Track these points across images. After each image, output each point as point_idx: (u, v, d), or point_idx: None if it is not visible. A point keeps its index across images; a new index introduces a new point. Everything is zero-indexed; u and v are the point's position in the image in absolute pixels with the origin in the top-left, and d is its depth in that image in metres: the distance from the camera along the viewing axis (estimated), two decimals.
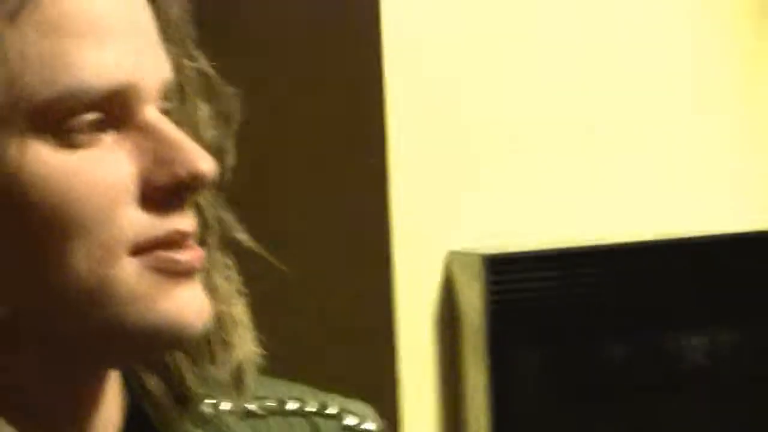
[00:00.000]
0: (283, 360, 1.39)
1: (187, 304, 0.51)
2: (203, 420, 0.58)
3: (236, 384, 0.57)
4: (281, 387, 0.66)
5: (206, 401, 0.57)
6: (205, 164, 0.48)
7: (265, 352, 0.57)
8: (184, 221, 0.49)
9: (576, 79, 1.53)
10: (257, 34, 1.59)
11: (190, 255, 0.50)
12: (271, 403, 0.64)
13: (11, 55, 0.47)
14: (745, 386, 1.54)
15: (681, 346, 1.48)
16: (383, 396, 1.32)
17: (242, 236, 0.56)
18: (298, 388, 0.64)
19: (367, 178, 1.37)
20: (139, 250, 0.47)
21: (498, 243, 1.36)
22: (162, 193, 0.48)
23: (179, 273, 0.49)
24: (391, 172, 1.31)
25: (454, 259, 1.31)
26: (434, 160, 1.44)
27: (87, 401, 0.53)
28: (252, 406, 0.62)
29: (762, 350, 1.53)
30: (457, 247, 1.33)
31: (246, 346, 0.57)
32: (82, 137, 0.46)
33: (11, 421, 0.49)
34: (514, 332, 1.30)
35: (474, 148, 1.46)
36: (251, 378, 0.58)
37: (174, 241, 0.49)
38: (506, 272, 1.29)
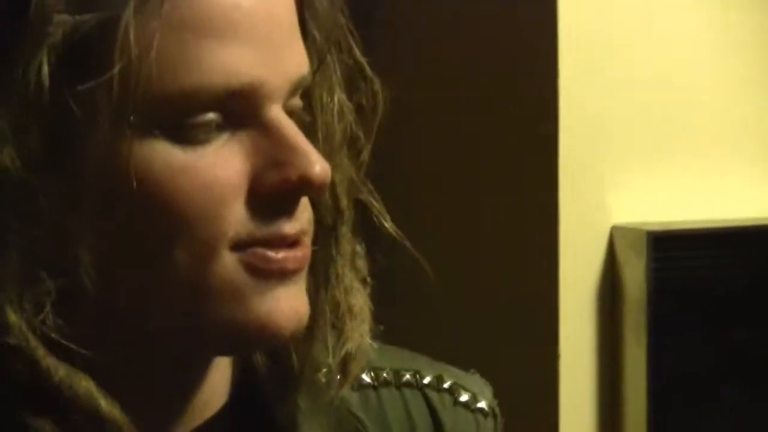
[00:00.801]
0: (446, 332, 1.41)
1: (277, 307, 0.51)
2: (312, 392, 0.61)
3: (343, 371, 0.59)
4: (399, 357, 0.68)
5: (317, 373, 0.60)
6: (318, 168, 0.48)
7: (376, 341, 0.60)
8: (290, 224, 0.50)
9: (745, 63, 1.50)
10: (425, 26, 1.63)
11: (284, 255, 0.50)
12: (387, 375, 0.67)
13: (132, 49, 0.47)
14: None
15: None
16: (543, 371, 1.33)
17: (388, 224, 0.60)
18: (416, 359, 0.69)
19: (534, 152, 1.37)
20: (240, 245, 0.49)
21: (662, 219, 1.34)
22: (272, 193, 0.49)
23: (273, 272, 0.50)
24: (559, 149, 1.31)
25: (617, 234, 1.30)
26: (601, 135, 1.41)
27: (191, 379, 0.56)
28: (366, 378, 0.65)
29: None
30: (621, 222, 1.31)
31: (357, 336, 0.59)
32: (200, 135, 0.48)
33: (125, 402, 0.51)
34: (677, 310, 1.28)
35: (641, 125, 1.43)
36: (358, 371, 0.61)
37: (277, 240, 0.50)
38: (671, 249, 1.27)
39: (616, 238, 1.28)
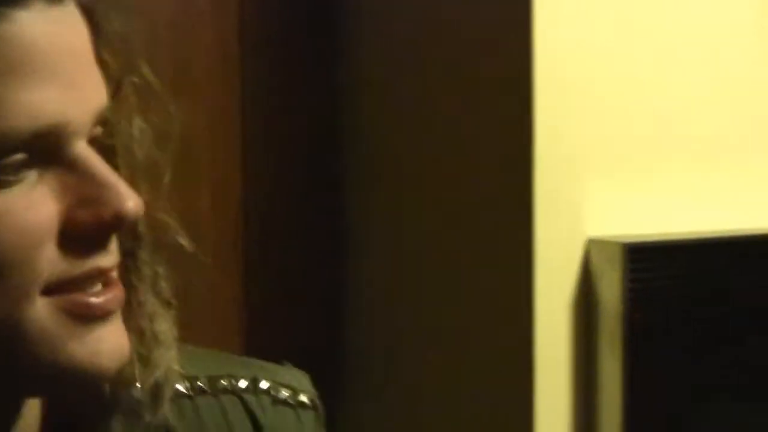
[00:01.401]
0: (421, 342, 1.41)
1: (100, 349, 0.51)
2: (127, 415, 0.61)
3: (153, 401, 0.60)
4: (214, 362, 0.69)
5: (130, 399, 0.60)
6: (130, 204, 0.48)
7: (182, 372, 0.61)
8: (106, 258, 0.50)
9: (715, 77, 1.54)
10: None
11: (105, 297, 0.50)
12: (202, 383, 0.67)
13: None
14: None
15: None
16: (518, 383, 1.35)
17: (184, 241, 0.60)
18: (230, 362, 0.71)
19: (510, 166, 1.40)
20: (53, 290, 0.48)
21: (638, 231, 1.35)
22: (84, 232, 0.49)
23: (90, 316, 0.50)
24: (534, 160, 1.32)
25: (593, 247, 1.31)
26: (577, 149, 1.44)
27: (5, 419, 0.55)
28: (181, 387, 0.64)
29: None
30: (596, 235, 1.32)
31: (165, 363, 0.60)
32: (9, 177, 0.47)
33: None
34: (653, 323, 1.29)
35: (617, 140, 1.47)
36: (168, 396, 0.61)
37: (91, 279, 0.50)
38: (646, 261, 1.29)
39: (591, 251, 1.29)
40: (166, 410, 0.62)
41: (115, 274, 0.52)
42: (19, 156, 0.46)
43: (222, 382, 0.69)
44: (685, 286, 1.33)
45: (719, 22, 1.54)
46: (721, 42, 1.54)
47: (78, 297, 0.49)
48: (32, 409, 0.56)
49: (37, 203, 0.48)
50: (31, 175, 0.48)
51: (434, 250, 1.50)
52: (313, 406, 0.72)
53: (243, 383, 0.70)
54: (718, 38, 1.54)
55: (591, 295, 1.33)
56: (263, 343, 1.46)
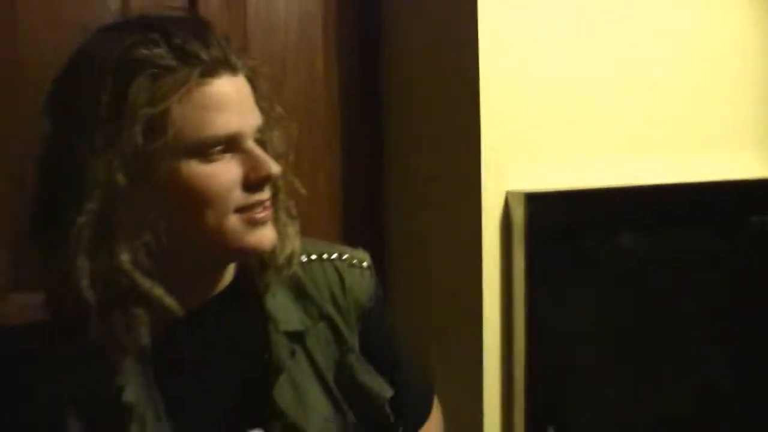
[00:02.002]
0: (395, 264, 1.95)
1: (261, 238, 0.94)
2: (275, 272, 1.03)
3: (287, 264, 1.02)
4: (315, 245, 1.10)
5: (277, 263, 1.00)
6: (274, 169, 0.90)
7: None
8: (263, 195, 0.91)
9: (617, 64, 1.83)
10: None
11: (263, 214, 0.91)
12: (313, 256, 1.10)
13: (178, 120, 0.86)
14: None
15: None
16: (472, 265, 1.75)
17: (302, 191, 1.04)
18: (325, 245, 1.12)
19: (466, 144, 1.77)
20: (238, 210, 0.89)
21: (540, 187, 1.73)
22: (253, 183, 0.90)
23: (258, 222, 0.91)
24: (482, 139, 1.72)
25: (510, 195, 1.72)
26: (508, 131, 1.77)
27: (217, 275, 0.99)
28: (303, 258, 1.06)
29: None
30: (512, 188, 1.72)
31: (292, 246, 1.01)
32: (214, 157, 0.88)
33: (177, 296, 0.91)
34: (542, 236, 1.70)
35: (536, 124, 1.80)
36: (295, 262, 1.02)
37: (257, 205, 0.91)
38: (537, 202, 1.69)
39: (510, 198, 1.71)
40: (295, 269, 1.07)
41: (268, 203, 0.95)
42: (220, 147, 0.89)
43: (323, 255, 1.15)
44: (561, 215, 1.72)
45: (626, 32, 1.84)
46: (624, 50, 1.84)
47: (251, 214, 0.94)
48: (228, 270, 1.01)
49: (230, 169, 0.91)
50: (227, 156, 0.91)
51: (407, 206, 1.94)
52: (370, 268, 1.19)
53: (333, 255, 1.16)
54: (623, 47, 1.84)
55: (510, 221, 1.74)
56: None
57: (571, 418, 1.82)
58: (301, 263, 1.11)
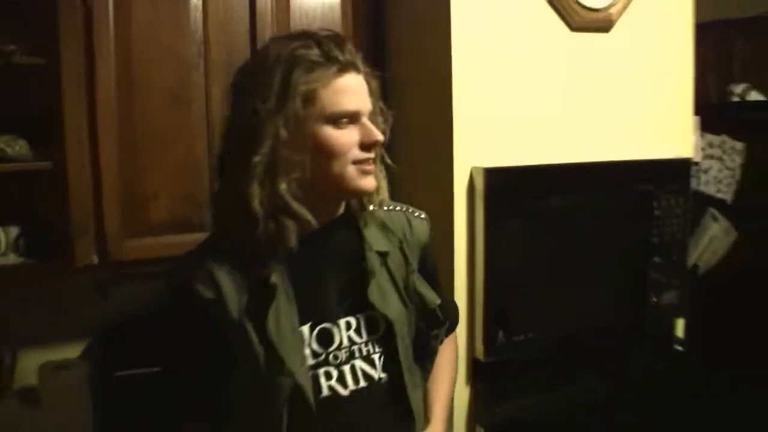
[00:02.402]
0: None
1: (367, 183, 1.35)
2: (370, 212, 1.44)
3: (379, 205, 1.44)
4: (395, 202, 1.52)
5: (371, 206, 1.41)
6: (379, 137, 1.33)
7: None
8: (371, 154, 1.33)
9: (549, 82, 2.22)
10: None
11: (370, 167, 1.34)
12: (393, 207, 1.52)
13: (322, 98, 1.28)
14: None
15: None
16: (446, 212, 2.08)
17: (389, 162, 1.44)
18: (400, 203, 1.54)
19: (442, 134, 2.06)
20: (354, 163, 1.32)
21: (496, 163, 2.06)
22: (365, 145, 1.32)
23: (366, 172, 1.33)
24: (454, 125, 2.04)
25: (474, 170, 2.07)
26: (475, 122, 2.07)
27: (336, 206, 1.40)
28: (387, 207, 1.49)
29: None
30: (476, 164, 2.06)
31: (383, 194, 1.42)
32: (342, 125, 1.31)
33: (314, 215, 1.33)
34: (494, 195, 2.06)
35: (499, 117, 2.14)
36: (383, 207, 1.46)
37: (366, 161, 1.33)
38: (494, 175, 2.06)
39: (474, 172, 2.08)
40: (382, 212, 1.45)
41: (372, 161, 1.33)
42: (345, 119, 1.31)
43: (398, 207, 1.52)
44: (510, 184, 2.07)
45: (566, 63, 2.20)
46: (564, 73, 2.22)
47: (362, 166, 1.33)
48: (340, 205, 1.39)
49: (352, 134, 1.31)
50: (350, 126, 1.31)
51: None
52: (427, 220, 1.55)
53: (405, 208, 1.53)
54: (564, 71, 2.21)
55: (473, 188, 2.08)
56: None
57: (516, 324, 2.21)
58: (386, 210, 1.47)
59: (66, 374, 2.09)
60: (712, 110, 3.78)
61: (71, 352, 2.35)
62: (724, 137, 3.71)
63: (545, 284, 2.25)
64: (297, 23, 2.20)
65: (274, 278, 1.30)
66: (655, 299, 2.49)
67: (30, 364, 2.18)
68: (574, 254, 2.31)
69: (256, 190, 1.27)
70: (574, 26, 2.31)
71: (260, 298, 1.30)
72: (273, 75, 1.27)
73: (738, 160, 3.67)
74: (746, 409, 3.68)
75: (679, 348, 2.67)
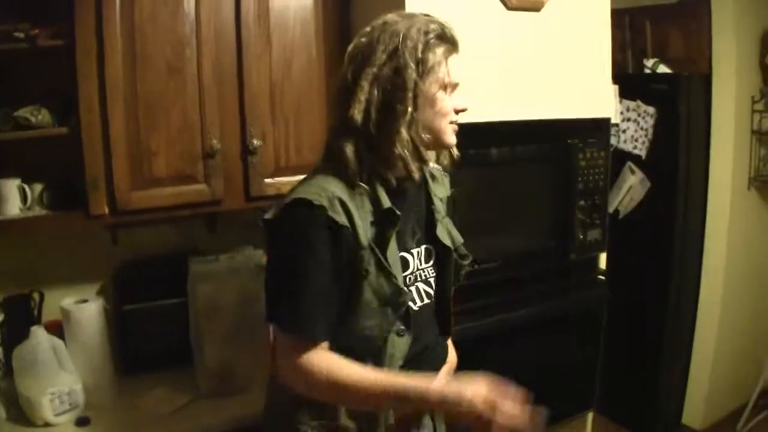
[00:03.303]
0: None
1: (454, 139, 1.53)
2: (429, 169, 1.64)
3: (446, 161, 1.62)
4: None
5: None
6: (467, 104, 1.52)
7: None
8: (460, 115, 1.52)
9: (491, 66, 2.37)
10: None
11: (457, 127, 1.52)
12: (432, 165, 1.64)
13: (444, 68, 1.44)
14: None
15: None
16: None
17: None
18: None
19: None
20: (451, 122, 1.50)
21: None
22: (459, 109, 1.51)
23: (455, 131, 1.52)
24: None
25: None
26: None
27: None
28: (435, 166, 1.67)
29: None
30: None
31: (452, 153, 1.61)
32: (448, 92, 1.48)
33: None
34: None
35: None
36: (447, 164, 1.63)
37: (456, 122, 1.52)
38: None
39: None
40: (432, 169, 1.66)
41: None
42: (450, 88, 1.49)
43: (434, 165, 1.65)
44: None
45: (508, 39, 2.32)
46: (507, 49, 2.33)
47: (454, 125, 1.53)
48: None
49: (451, 100, 1.50)
50: (451, 95, 1.49)
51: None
52: (449, 174, 1.72)
53: (435, 166, 1.66)
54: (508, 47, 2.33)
55: None
56: None
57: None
58: (432, 168, 1.65)
59: (85, 308, 2.23)
60: (629, 80, 4.03)
61: (89, 290, 2.50)
62: (639, 102, 3.91)
63: (489, 224, 2.35)
64: (275, 6, 2.36)
65: (389, 204, 1.45)
66: (581, 236, 2.63)
67: (55, 302, 2.30)
68: (513, 198, 2.45)
69: (404, 134, 1.40)
70: (510, 6, 2.42)
71: (383, 226, 1.44)
72: (417, 41, 1.40)
73: (650, 121, 3.86)
74: (649, 326, 4.00)
75: (601, 278, 2.85)
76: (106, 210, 2.17)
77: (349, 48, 1.49)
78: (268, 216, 1.45)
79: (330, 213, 1.38)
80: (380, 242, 1.44)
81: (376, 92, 1.41)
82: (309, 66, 2.42)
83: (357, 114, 1.41)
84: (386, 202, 1.46)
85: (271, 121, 2.36)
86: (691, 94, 3.94)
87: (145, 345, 2.40)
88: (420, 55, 1.40)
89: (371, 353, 1.47)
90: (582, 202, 2.66)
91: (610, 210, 4.00)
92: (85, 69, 2.08)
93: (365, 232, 1.43)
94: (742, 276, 4.21)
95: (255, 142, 2.31)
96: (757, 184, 4.18)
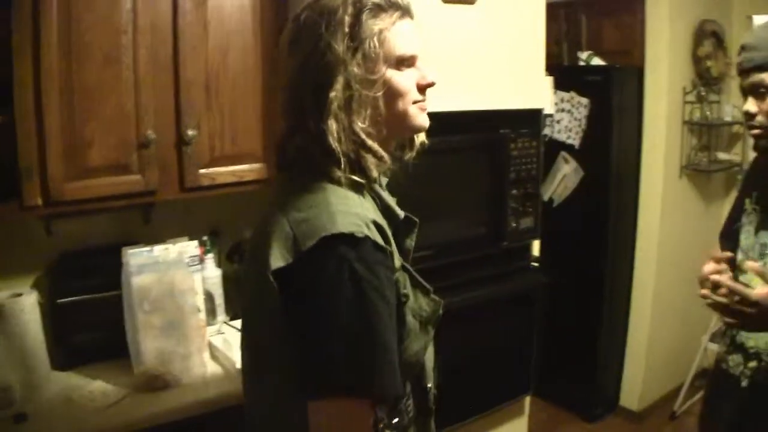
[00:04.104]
0: None
1: (425, 121, 1.33)
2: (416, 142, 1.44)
3: (421, 147, 1.45)
4: None
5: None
6: (435, 77, 1.32)
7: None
8: (430, 94, 1.33)
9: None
10: None
11: (426, 106, 1.32)
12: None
13: (389, 41, 1.24)
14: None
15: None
16: None
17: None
18: None
19: None
20: (414, 102, 1.29)
21: None
22: (422, 87, 1.31)
23: (424, 111, 1.31)
24: None
25: None
26: None
27: (397, 139, 1.38)
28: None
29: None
30: None
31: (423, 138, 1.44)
32: (404, 68, 1.28)
33: (385, 149, 1.29)
34: None
35: None
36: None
37: (423, 101, 1.31)
38: None
39: None
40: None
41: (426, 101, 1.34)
42: (406, 62, 1.29)
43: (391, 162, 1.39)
44: None
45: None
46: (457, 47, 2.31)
47: (420, 104, 1.32)
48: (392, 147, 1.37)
49: (411, 77, 1.30)
50: (409, 70, 1.29)
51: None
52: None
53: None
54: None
55: None
56: None
57: None
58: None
59: (18, 301, 2.24)
60: (564, 72, 4.15)
61: (23, 283, 2.48)
62: (573, 93, 4.04)
63: (423, 213, 2.31)
64: None
65: (401, 213, 1.37)
66: (514, 224, 2.72)
67: None
68: (448, 187, 2.49)
69: (333, 126, 1.20)
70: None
71: (398, 237, 1.34)
72: (343, 17, 1.21)
73: (584, 112, 4.00)
74: (585, 311, 4.12)
75: (535, 264, 2.96)
76: (40, 201, 2.16)
77: (282, 37, 1.34)
78: (281, 264, 1.18)
79: (377, 241, 1.20)
80: (404, 257, 1.33)
81: (306, 83, 1.24)
82: (245, 55, 2.43)
83: (294, 110, 1.28)
84: (397, 209, 1.35)
85: (207, 111, 2.38)
86: (624, 86, 4.11)
87: (81, 338, 2.39)
88: (348, 29, 1.21)
89: (414, 374, 1.35)
90: (514, 191, 2.73)
91: (545, 198, 4.17)
92: (21, 57, 2.07)
93: (394, 250, 1.27)
94: (674, 261, 4.39)
95: (190, 132, 2.32)
96: (688, 173, 4.38)
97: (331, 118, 1.20)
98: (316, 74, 1.21)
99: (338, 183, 1.23)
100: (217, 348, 2.46)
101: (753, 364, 1.83)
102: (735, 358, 1.90)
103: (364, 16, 1.21)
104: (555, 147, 4.19)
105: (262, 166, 2.54)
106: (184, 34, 2.30)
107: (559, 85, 3.98)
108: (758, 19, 4.06)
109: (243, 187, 2.50)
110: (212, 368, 2.38)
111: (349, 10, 1.21)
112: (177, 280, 2.22)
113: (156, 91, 2.26)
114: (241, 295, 1.52)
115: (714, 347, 4.03)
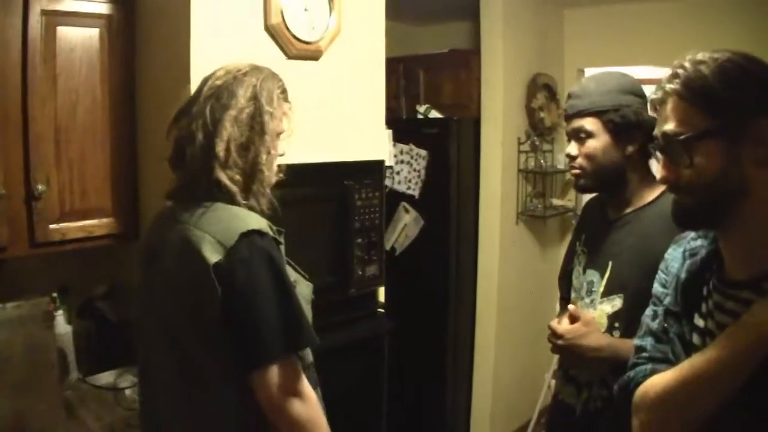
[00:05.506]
0: None
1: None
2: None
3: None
4: None
5: None
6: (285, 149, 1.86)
7: None
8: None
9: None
10: None
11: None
12: None
13: (275, 116, 1.76)
14: None
15: None
16: None
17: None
18: None
19: None
20: (278, 165, 1.85)
21: None
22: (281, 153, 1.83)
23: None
24: None
25: None
26: None
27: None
28: None
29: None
30: None
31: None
32: (281, 137, 1.81)
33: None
34: None
35: None
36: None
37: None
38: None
39: None
40: None
41: None
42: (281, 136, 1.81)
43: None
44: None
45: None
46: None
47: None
48: None
49: (281, 145, 1.83)
50: (280, 140, 1.81)
51: None
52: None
53: None
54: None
55: None
56: None
57: None
58: None
59: None
60: (403, 124, 4.55)
61: None
62: (411, 146, 4.45)
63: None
64: (62, 49, 2.49)
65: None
66: (359, 272, 3.01)
67: None
68: (295, 237, 2.58)
69: (265, 172, 1.75)
70: (290, 55, 2.65)
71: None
72: (271, 92, 1.71)
73: (423, 163, 4.40)
74: (431, 354, 4.44)
75: (381, 310, 3.23)
76: None
77: (202, 87, 1.73)
78: (216, 260, 1.54)
79: (276, 237, 1.66)
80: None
81: (237, 132, 1.66)
82: (93, 108, 2.56)
83: (221, 151, 1.65)
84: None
85: (56, 165, 2.46)
86: (461, 137, 4.54)
87: None
88: (275, 103, 1.70)
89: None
90: (360, 240, 2.94)
91: (387, 247, 4.51)
92: None
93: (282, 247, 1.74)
94: (514, 305, 4.79)
95: (39, 187, 2.38)
96: (524, 219, 4.85)
97: (263, 167, 1.71)
98: (249, 131, 1.68)
99: (238, 204, 1.65)
100: (72, 404, 2.47)
101: (585, 394, 2.02)
102: (569, 390, 2.10)
103: (281, 96, 1.78)
104: (396, 197, 4.54)
105: (111, 221, 2.63)
106: (33, 88, 2.38)
107: (398, 138, 4.34)
108: (589, 72, 4.66)
109: (93, 242, 2.57)
110: (70, 427, 2.39)
111: (276, 89, 1.76)
112: (31, 337, 2.24)
113: (4, 145, 2.32)
114: (151, 315, 1.75)
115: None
